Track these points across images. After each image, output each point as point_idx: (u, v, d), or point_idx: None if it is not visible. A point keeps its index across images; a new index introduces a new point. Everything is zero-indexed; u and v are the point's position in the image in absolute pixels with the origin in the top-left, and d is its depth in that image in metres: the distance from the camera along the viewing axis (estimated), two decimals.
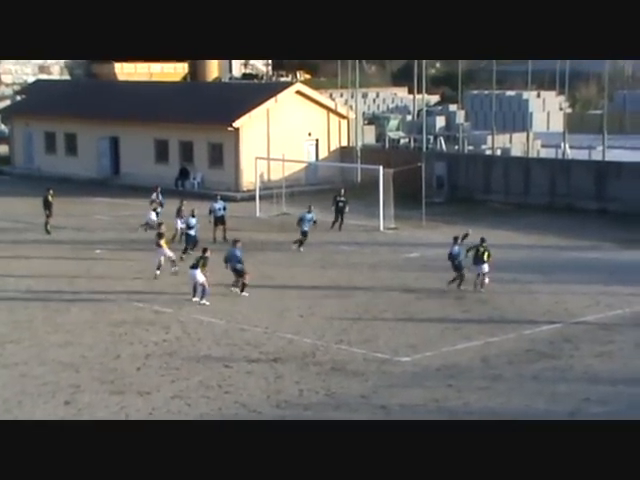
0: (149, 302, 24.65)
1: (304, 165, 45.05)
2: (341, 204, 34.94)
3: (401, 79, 77.97)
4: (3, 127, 58.82)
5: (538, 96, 59.77)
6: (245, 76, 77.19)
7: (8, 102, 61.85)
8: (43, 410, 17.03)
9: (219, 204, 33.22)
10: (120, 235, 34.54)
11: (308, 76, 77.48)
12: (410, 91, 63.16)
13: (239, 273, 25.14)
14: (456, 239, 25.90)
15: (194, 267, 24.61)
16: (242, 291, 25.09)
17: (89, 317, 23.32)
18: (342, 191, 35.58)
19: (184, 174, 45.65)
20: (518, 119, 57.02)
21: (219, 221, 32.82)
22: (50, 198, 34.68)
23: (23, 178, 49.23)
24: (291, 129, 45.33)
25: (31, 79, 63.91)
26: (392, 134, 51.11)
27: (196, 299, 24.44)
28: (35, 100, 54.32)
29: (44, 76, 65.96)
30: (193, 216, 30.40)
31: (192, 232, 30.06)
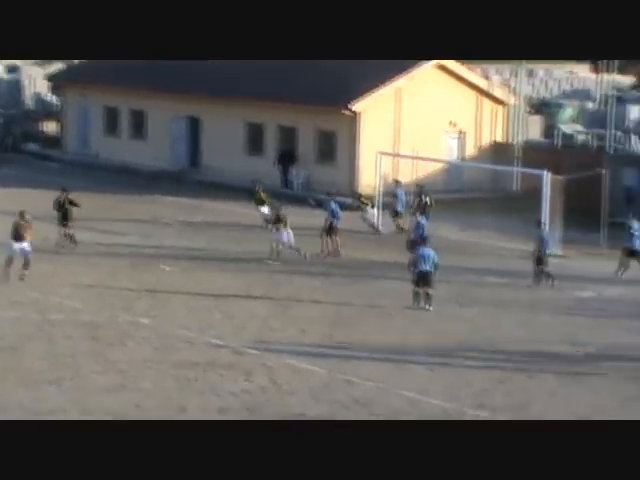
0: (228, 338, 25.06)
1: (443, 165, 45.07)
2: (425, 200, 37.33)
3: None
4: (53, 99, 60.34)
5: None
6: None
7: (60, 66, 63.34)
8: None
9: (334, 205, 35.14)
10: (195, 248, 35.23)
11: None
12: (594, 69, 62.41)
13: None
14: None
15: None
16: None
17: (149, 355, 23.82)
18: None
19: (286, 161, 46.18)
20: None
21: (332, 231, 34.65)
22: (65, 202, 34.14)
23: (76, 166, 50.66)
24: (428, 117, 45.43)
25: None
26: (566, 127, 50.59)
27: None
28: (95, 64, 55.75)
29: None
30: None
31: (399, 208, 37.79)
